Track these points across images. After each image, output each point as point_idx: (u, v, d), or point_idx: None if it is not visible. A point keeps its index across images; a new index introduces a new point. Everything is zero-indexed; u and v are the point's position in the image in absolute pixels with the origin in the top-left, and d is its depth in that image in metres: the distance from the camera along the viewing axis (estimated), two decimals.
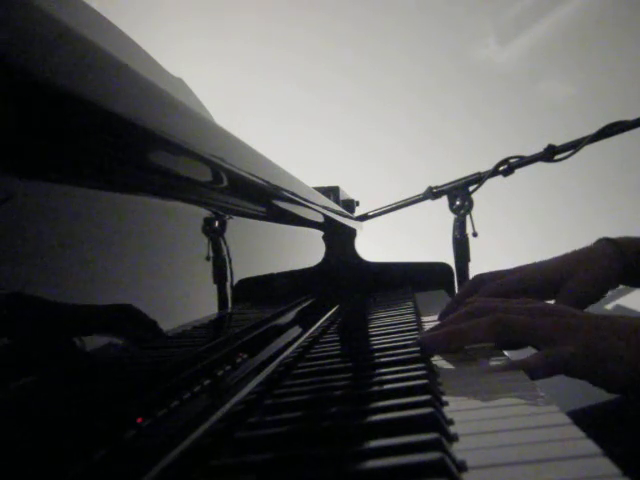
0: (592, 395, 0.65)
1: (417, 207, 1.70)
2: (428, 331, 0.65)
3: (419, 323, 0.85)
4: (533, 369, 0.51)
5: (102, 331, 0.36)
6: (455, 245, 1.62)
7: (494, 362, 0.56)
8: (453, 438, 0.36)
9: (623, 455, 0.36)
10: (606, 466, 0.30)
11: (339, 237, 1.45)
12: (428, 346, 0.60)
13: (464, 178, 1.61)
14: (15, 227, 0.29)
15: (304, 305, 0.96)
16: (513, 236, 2.45)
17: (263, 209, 0.75)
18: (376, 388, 0.50)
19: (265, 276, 0.79)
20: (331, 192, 1.53)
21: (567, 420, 0.37)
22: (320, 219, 1.05)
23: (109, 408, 0.35)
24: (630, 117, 1.50)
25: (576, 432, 0.35)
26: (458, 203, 1.60)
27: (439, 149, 2.50)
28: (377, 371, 0.56)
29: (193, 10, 2.52)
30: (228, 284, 0.61)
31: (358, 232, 1.57)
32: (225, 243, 0.61)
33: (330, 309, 1.09)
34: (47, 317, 0.31)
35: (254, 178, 0.56)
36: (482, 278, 0.79)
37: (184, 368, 0.46)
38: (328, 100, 2.54)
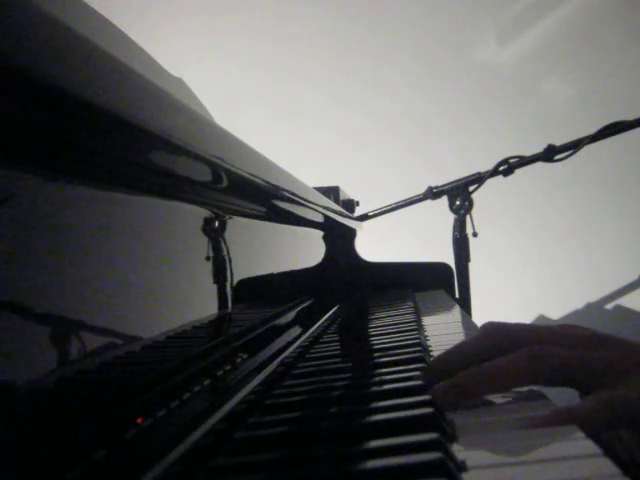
0: None
1: (417, 207, 1.71)
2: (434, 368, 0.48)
3: (419, 323, 0.85)
4: (588, 421, 0.37)
5: (101, 331, 0.36)
6: (455, 245, 1.62)
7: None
8: (453, 438, 0.36)
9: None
10: (606, 466, 0.30)
11: (339, 237, 1.45)
12: (438, 400, 0.43)
13: (464, 178, 1.61)
14: (15, 227, 0.29)
15: (304, 305, 0.96)
16: (513, 236, 2.45)
17: (263, 209, 0.75)
18: (376, 388, 0.50)
19: (265, 276, 0.79)
20: (331, 192, 1.53)
21: None
22: (320, 219, 1.05)
23: (109, 408, 0.35)
24: (630, 117, 1.51)
25: (576, 432, 0.35)
26: (458, 203, 1.60)
27: (439, 149, 2.50)
28: (377, 371, 0.56)
29: (193, 8, 2.52)
30: (228, 284, 0.61)
31: (358, 232, 1.57)
32: (225, 243, 0.61)
33: (330, 309, 1.09)
34: (47, 317, 0.31)
35: (254, 178, 0.56)
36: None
37: (184, 368, 0.46)
38: (328, 99, 2.54)
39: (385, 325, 0.86)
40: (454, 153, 2.45)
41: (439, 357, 0.48)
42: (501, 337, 0.46)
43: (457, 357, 0.47)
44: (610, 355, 0.42)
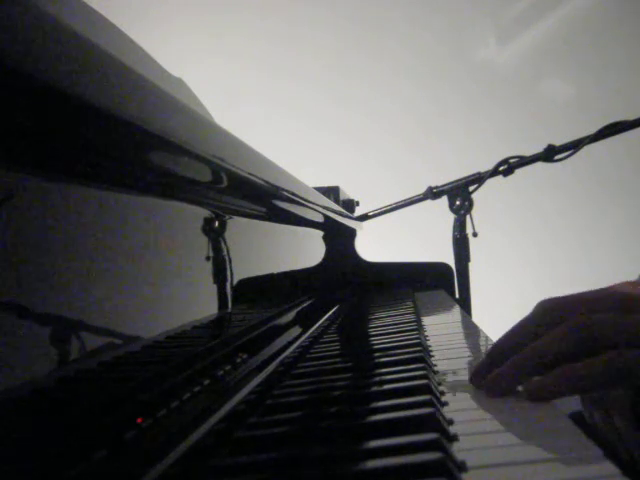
0: None
1: (417, 207, 1.71)
2: (480, 366, 0.48)
3: (419, 323, 0.85)
4: (589, 377, 0.39)
5: (101, 331, 0.36)
6: (455, 245, 1.62)
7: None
8: (453, 438, 0.36)
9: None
10: (606, 466, 0.30)
11: (339, 237, 1.45)
12: (493, 391, 0.44)
13: (464, 178, 1.61)
14: (15, 227, 0.29)
15: (304, 305, 0.96)
16: (513, 236, 2.45)
17: (263, 209, 0.75)
18: (376, 388, 0.50)
19: (265, 276, 0.79)
20: (331, 192, 1.53)
21: (567, 420, 0.37)
22: (320, 219, 1.05)
23: (109, 408, 0.35)
24: (630, 117, 1.51)
25: (576, 432, 0.35)
26: (458, 203, 1.60)
27: (439, 149, 2.50)
28: (377, 371, 0.56)
29: (193, 8, 2.52)
30: (228, 284, 0.61)
31: (358, 232, 1.57)
32: (225, 243, 0.61)
33: (330, 309, 1.09)
34: (47, 317, 0.31)
35: (254, 178, 0.56)
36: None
37: (184, 368, 0.46)
38: (328, 99, 2.54)
39: (385, 325, 0.86)
40: (454, 153, 2.45)
41: (495, 346, 0.48)
42: (550, 312, 0.46)
43: (513, 341, 0.47)
44: None
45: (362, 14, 2.55)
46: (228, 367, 0.53)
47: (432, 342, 0.71)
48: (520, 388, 0.44)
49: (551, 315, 0.45)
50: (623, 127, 1.51)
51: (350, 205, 1.66)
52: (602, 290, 0.47)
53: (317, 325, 0.90)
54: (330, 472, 0.33)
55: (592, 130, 1.52)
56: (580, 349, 0.42)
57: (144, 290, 0.42)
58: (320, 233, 1.25)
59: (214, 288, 0.57)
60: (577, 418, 0.41)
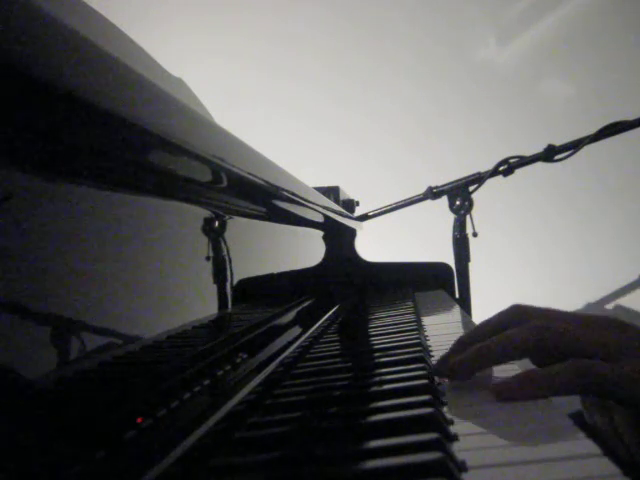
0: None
1: (417, 207, 1.71)
2: (444, 358, 0.51)
3: (419, 323, 0.85)
4: (556, 381, 0.41)
5: (101, 331, 0.36)
6: (455, 245, 1.62)
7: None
8: (453, 438, 0.36)
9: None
10: (606, 466, 0.30)
11: (339, 237, 1.45)
12: (447, 375, 0.49)
13: (464, 178, 1.61)
14: (15, 227, 0.29)
15: (304, 305, 0.96)
16: (513, 236, 2.45)
17: (263, 209, 0.75)
18: (376, 388, 0.50)
19: (265, 276, 0.79)
20: (331, 192, 1.53)
21: (567, 420, 0.37)
22: (320, 219, 1.05)
23: (109, 408, 0.35)
24: (630, 117, 1.51)
25: (576, 432, 0.35)
26: (458, 203, 1.60)
27: (439, 149, 2.50)
28: (377, 371, 0.56)
29: (193, 8, 2.52)
30: (228, 284, 0.61)
31: (358, 232, 1.57)
32: (225, 243, 0.61)
33: (330, 309, 1.09)
34: (47, 317, 0.31)
35: (254, 178, 0.56)
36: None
37: (184, 368, 0.46)
38: (328, 99, 2.54)
39: (385, 325, 0.86)
40: (454, 153, 2.45)
41: (458, 341, 0.52)
42: (514, 314, 0.49)
43: (474, 337, 0.50)
44: (619, 336, 0.43)
45: (362, 14, 2.55)
46: (228, 367, 0.53)
47: (432, 342, 0.71)
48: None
49: (515, 317, 0.48)
50: (623, 127, 1.51)
51: (350, 205, 1.66)
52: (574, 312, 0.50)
53: (317, 325, 0.90)
54: (330, 472, 0.33)
55: (592, 130, 1.52)
56: (531, 350, 0.45)
57: (144, 290, 0.42)
58: (320, 233, 1.25)
59: (214, 288, 0.57)
60: (577, 418, 0.41)
